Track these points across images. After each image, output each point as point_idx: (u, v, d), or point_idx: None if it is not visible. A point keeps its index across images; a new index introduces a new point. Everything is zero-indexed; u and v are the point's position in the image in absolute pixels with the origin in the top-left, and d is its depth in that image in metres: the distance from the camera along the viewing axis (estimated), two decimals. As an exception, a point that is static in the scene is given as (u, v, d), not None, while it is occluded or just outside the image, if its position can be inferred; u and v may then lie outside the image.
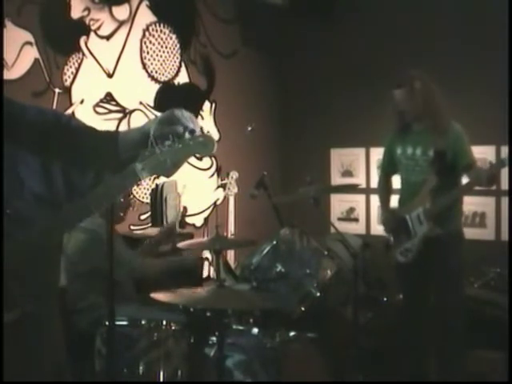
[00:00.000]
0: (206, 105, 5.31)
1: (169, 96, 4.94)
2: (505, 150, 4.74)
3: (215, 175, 5.36)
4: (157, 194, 4.42)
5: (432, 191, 3.57)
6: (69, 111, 4.18)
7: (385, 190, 4.01)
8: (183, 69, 5.10)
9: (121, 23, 4.56)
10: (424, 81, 3.62)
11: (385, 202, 3.98)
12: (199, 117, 5.24)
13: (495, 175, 3.46)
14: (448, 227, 3.60)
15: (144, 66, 4.77)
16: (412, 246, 3.65)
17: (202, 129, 1.69)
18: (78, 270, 3.28)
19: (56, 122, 1.82)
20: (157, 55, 4.87)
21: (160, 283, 3.59)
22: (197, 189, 5.08)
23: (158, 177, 4.29)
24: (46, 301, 1.77)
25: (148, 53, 4.79)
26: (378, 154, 4.10)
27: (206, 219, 5.30)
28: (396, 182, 3.98)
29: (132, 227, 4.56)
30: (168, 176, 1.70)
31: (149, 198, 4.53)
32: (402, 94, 3.61)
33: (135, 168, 1.64)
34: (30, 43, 3.93)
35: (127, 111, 4.61)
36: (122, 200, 3.41)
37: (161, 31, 4.89)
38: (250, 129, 4.86)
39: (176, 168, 1.67)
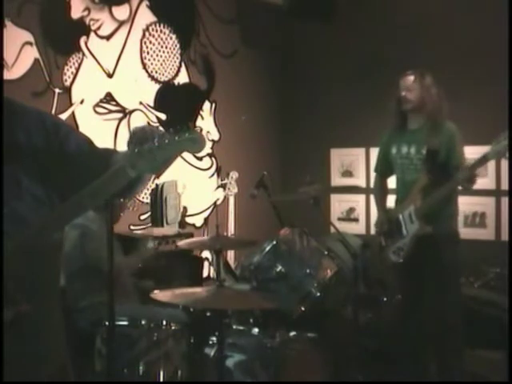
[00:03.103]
0: (206, 105, 5.31)
1: (169, 96, 4.94)
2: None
3: (215, 175, 5.36)
4: (157, 194, 4.42)
5: (423, 190, 3.59)
6: (69, 111, 4.18)
7: (380, 192, 4.04)
8: (183, 69, 5.10)
9: (121, 23, 4.56)
10: (432, 79, 3.69)
11: (380, 203, 4.00)
12: (199, 117, 5.24)
13: (473, 175, 3.47)
14: (442, 227, 3.61)
15: (144, 66, 4.77)
16: (404, 245, 3.67)
17: (189, 125, 1.65)
18: (73, 268, 3.27)
19: (46, 146, 1.80)
20: (157, 55, 4.87)
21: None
22: (197, 189, 5.08)
23: (158, 176, 4.28)
24: (45, 300, 1.76)
25: (148, 53, 4.79)
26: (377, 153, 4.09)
27: (205, 219, 5.30)
28: (392, 182, 3.99)
29: (132, 227, 4.55)
30: (158, 174, 1.69)
31: (149, 198, 4.53)
32: (409, 81, 3.69)
33: (125, 166, 1.62)
34: (30, 43, 3.93)
35: (127, 111, 4.61)
36: (121, 200, 3.38)
37: (161, 31, 4.89)
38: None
39: (165, 166, 1.65)
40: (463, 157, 3.65)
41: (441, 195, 3.55)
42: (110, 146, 4.44)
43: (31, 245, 1.68)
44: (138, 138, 1.65)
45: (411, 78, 3.69)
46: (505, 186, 4.66)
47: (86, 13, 4.28)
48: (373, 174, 4.21)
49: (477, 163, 3.43)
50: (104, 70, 4.45)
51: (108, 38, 4.48)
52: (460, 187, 3.58)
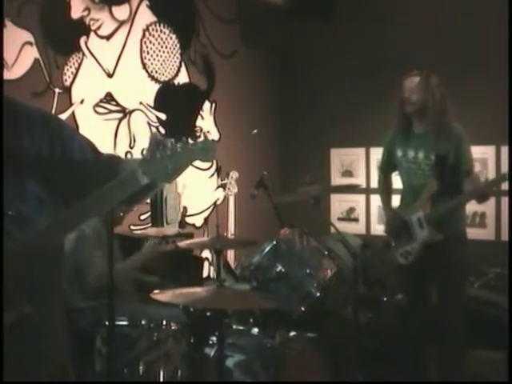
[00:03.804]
0: (206, 105, 5.31)
1: (169, 96, 4.94)
2: (505, 150, 4.75)
3: (215, 175, 5.36)
4: (157, 194, 4.41)
5: (433, 196, 3.56)
6: (69, 111, 4.18)
7: (385, 190, 4.00)
8: (183, 69, 5.10)
9: (121, 23, 4.56)
10: (437, 80, 3.60)
11: (386, 201, 3.97)
12: (199, 117, 5.24)
13: (488, 192, 3.48)
14: (451, 230, 3.59)
15: (144, 65, 4.77)
16: (412, 249, 3.64)
17: (204, 134, 1.67)
18: (70, 270, 3.27)
19: (49, 146, 1.79)
20: (157, 55, 4.87)
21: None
22: (197, 189, 5.08)
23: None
24: (48, 302, 1.76)
25: (148, 53, 4.79)
26: (377, 153, 4.09)
27: (205, 219, 5.30)
28: (396, 182, 3.98)
29: (132, 227, 4.55)
30: (169, 181, 1.68)
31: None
32: (413, 82, 3.59)
33: (136, 173, 1.62)
34: (30, 43, 3.93)
35: (127, 111, 4.61)
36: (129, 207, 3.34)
37: (161, 31, 4.89)
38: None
39: (177, 174, 1.65)
40: (472, 162, 3.64)
41: (452, 206, 3.55)
42: (110, 146, 4.45)
43: (35, 247, 1.67)
44: (151, 146, 1.66)
45: (416, 79, 3.59)
46: (505, 185, 4.65)
47: (86, 13, 4.28)
48: (373, 174, 4.21)
49: (494, 181, 3.45)
50: (104, 70, 4.45)
51: (108, 38, 4.48)
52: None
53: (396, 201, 3.92)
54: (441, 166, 3.54)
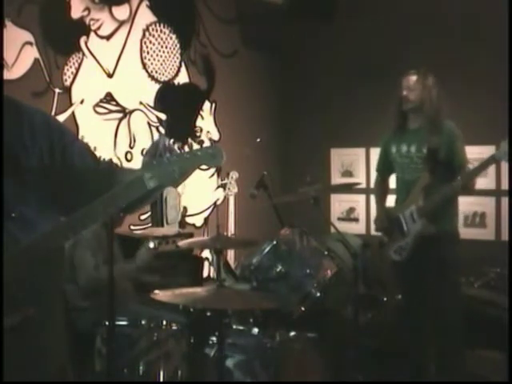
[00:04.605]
0: (206, 105, 5.31)
1: (169, 96, 4.94)
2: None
3: (215, 175, 5.36)
4: (157, 194, 4.41)
5: (425, 189, 3.59)
6: (69, 111, 4.18)
7: (380, 191, 4.04)
8: (183, 69, 5.10)
9: (121, 23, 4.56)
10: (434, 80, 3.68)
11: (379, 202, 4.01)
12: (199, 117, 5.24)
13: (469, 182, 3.50)
14: (443, 226, 3.61)
15: (144, 65, 4.77)
16: (406, 244, 3.66)
17: (211, 140, 1.69)
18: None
19: (50, 148, 1.80)
20: (157, 55, 4.87)
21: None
22: (197, 189, 5.08)
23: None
24: (50, 303, 1.77)
25: (148, 53, 4.79)
26: (377, 154, 4.09)
27: (206, 219, 5.30)
28: (393, 182, 3.99)
29: (132, 227, 4.55)
30: (175, 186, 1.70)
31: (149, 197, 4.51)
32: (411, 80, 3.68)
33: (143, 177, 1.62)
34: (30, 43, 3.93)
35: (127, 111, 4.61)
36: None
37: (161, 31, 4.89)
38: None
39: (183, 178, 1.67)
40: (464, 157, 3.65)
41: (445, 195, 3.55)
42: (110, 145, 4.45)
43: (40, 250, 1.68)
44: (156, 150, 1.67)
45: (413, 77, 3.68)
46: (505, 185, 4.66)
47: (86, 13, 4.28)
48: (373, 174, 4.21)
49: (484, 164, 3.45)
50: (104, 70, 4.45)
51: (108, 38, 4.48)
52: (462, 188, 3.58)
53: (393, 202, 3.93)
54: (432, 160, 3.58)
